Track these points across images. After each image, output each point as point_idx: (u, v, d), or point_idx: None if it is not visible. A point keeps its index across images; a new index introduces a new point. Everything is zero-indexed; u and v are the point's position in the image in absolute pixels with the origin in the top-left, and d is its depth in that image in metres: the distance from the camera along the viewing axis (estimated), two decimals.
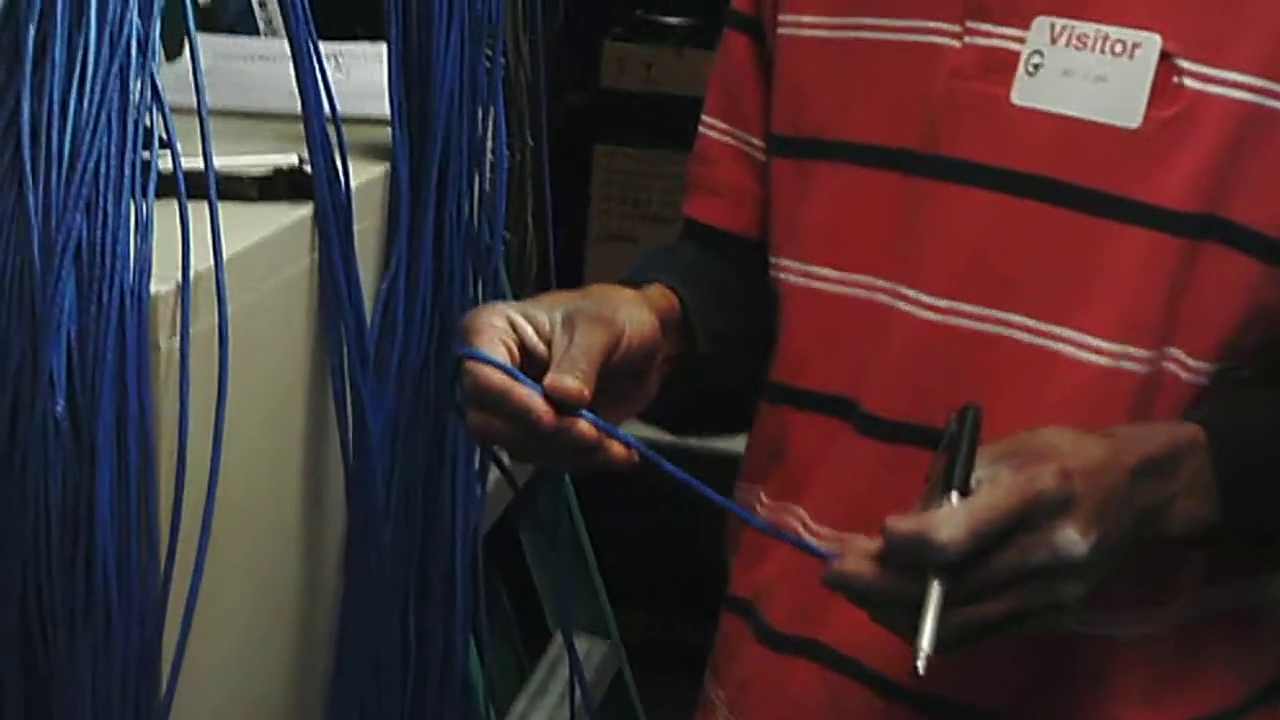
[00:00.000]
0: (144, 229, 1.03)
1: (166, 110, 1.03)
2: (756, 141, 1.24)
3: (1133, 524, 0.99)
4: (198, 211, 1.07)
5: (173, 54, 1.71)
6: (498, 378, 0.99)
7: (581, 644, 2.15)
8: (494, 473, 1.88)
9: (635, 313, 1.09)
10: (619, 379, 1.07)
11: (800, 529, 1.17)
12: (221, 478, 1.08)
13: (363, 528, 1.33)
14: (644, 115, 3.32)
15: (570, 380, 0.99)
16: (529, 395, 0.98)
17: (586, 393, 0.99)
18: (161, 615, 1.01)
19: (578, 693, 1.71)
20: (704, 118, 1.28)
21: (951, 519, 0.92)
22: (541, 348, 1.03)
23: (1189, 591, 1.10)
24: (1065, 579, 0.95)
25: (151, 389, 0.98)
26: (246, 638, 1.25)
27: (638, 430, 1.08)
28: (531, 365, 1.01)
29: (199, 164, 1.08)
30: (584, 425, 0.99)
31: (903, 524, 0.93)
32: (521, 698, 2.03)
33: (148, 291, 0.98)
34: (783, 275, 1.20)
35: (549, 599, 2.06)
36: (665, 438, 1.22)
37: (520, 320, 1.03)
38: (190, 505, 1.03)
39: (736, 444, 1.29)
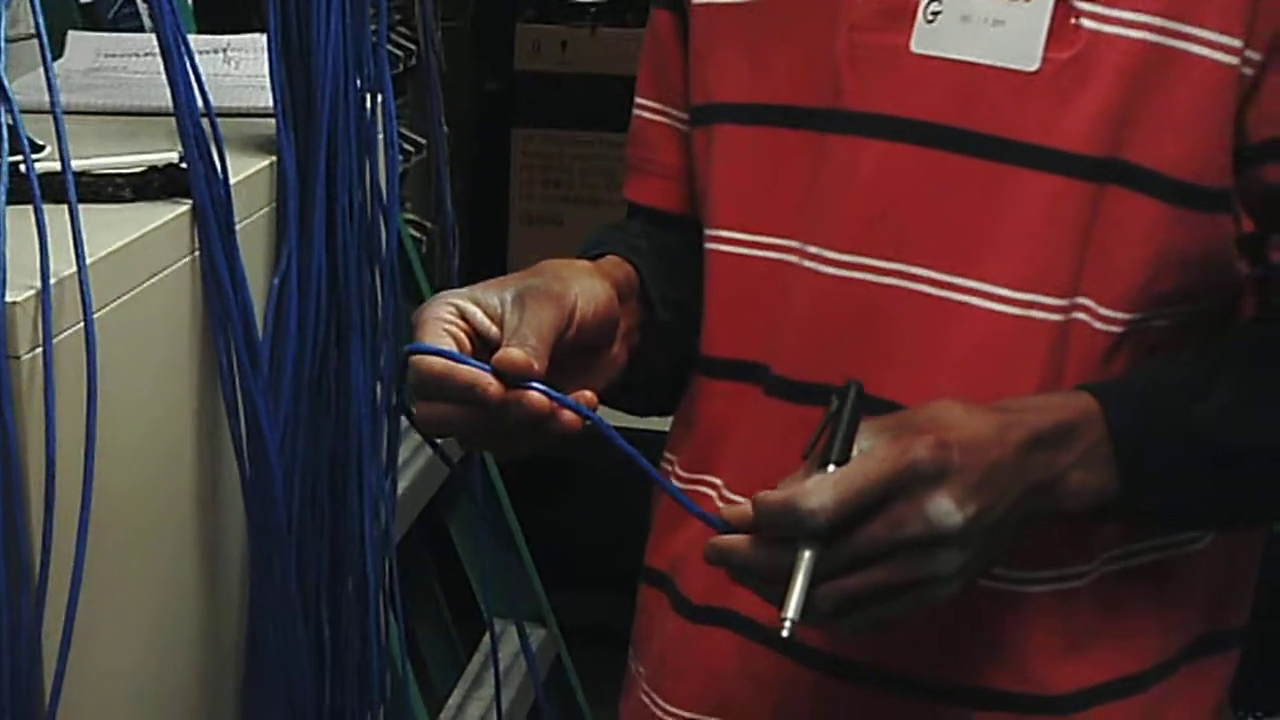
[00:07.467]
0: None
1: (15, 111, 0.98)
2: (684, 116, 1.22)
3: (1023, 497, 0.97)
4: (64, 216, 1.02)
5: (58, 53, 1.66)
6: (440, 364, 0.98)
7: (517, 632, 2.11)
8: (413, 468, 1.85)
9: (588, 284, 1.07)
10: (578, 354, 1.06)
11: (716, 500, 1.14)
12: (105, 491, 1.04)
13: (263, 536, 1.29)
14: (560, 96, 3.31)
15: (517, 352, 0.97)
16: (474, 372, 0.97)
17: (536, 365, 0.97)
18: (36, 635, 0.97)
19: (534, 684, 1.67)
20: (636, 98, 1.28)
21: (820, 487, 0.91)
22: (495, 331, 1.01)
23: (1107, 548, 1.08)
24: (940, 550, 0.92)
25: (13, 403, 0.94)
26: (147, 651, 1.21)
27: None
28: (487, 350, 1.00)
29: (56, 165, 1.03)
30: (534, 396, 0.97)
31: (772, 495, 0.92)
32: (457, 689, 2.00)
33: (2, 301, 0.94)
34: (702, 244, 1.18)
35: (480, 588, 2.02)
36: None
37: (469, 306, 1.02)
38: (65, 520, 0.98)
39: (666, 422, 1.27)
